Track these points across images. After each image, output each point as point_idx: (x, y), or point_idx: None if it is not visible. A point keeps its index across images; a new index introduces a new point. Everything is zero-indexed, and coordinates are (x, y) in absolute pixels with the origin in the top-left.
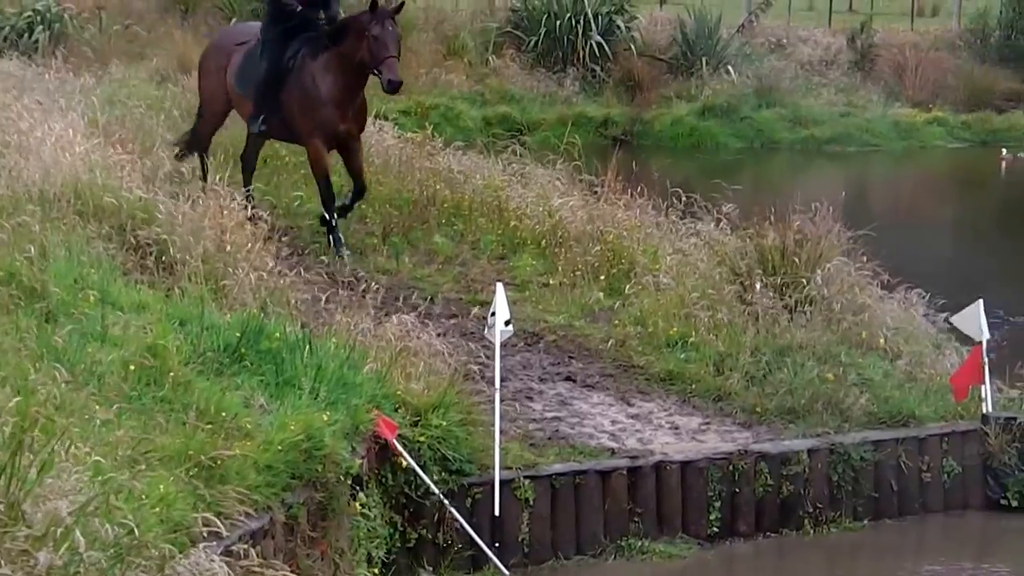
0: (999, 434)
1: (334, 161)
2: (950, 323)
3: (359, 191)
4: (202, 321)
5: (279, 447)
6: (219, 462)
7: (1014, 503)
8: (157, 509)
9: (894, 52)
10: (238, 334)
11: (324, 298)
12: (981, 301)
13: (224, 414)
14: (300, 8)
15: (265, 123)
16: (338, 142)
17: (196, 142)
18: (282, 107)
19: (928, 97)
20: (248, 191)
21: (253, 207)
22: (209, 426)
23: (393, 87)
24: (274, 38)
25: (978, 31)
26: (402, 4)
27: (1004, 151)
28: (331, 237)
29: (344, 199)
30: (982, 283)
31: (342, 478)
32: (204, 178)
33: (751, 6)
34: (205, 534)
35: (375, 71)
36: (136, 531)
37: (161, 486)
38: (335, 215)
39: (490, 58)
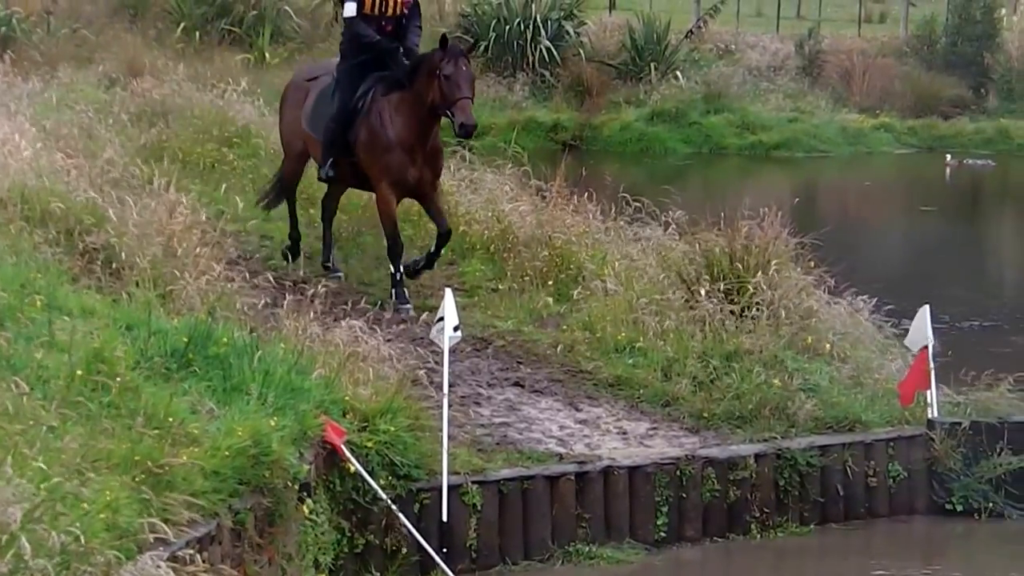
0: (944, 439)
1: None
2: (905, 346)
3: (443, 235)
4: (150, 326)
5: (226, 453)
6: (166, 468)
7: (959, 508)
8: (103, 516)
9: (842, 58)
10: (186, 339)
11: (272, 303)
12: (928, 307)
13: (171, 420)
14: (378, 39)
15: (334, 168)
16: (410, 190)
17: (281, 189)
18: (351, 150)
19: (875, 103)
20: (328, 258)
21: (333, 272)
22: (156, 432)
23: (466, 131)
24: (348, 74)
25: (924, 38)
26: (476, 43)
27: (949, 156)
28: (394, 291)
29: (427, 250)
30: (929, 288)
31: (290, 484)
32: (294, 228)
33: (700, 12)
34: (152, 540)
35: (447, 113)
36: (82, 538)
37: (108, 492)
38: (401, 269)
39: None
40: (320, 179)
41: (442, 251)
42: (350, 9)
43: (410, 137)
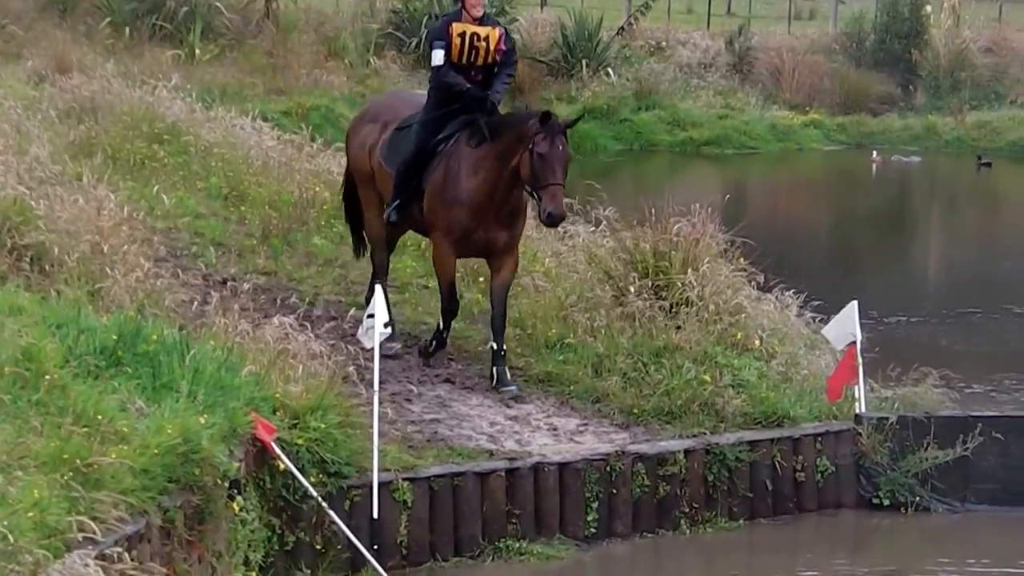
0: (872, 434)
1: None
2: (823, 335)
3: (497, 316)
4: (79, 324)
5: (156, 451)
6: (95, 466)
7: (886, 502)
8: (31, 514)
9: (771, 55)
10: (115, 337)
11: (202, 300)
12: (855, 302)
13: (100, 418)
14: (468, 88)
15: (400, 212)
16: (476, 250)
17: (374, 237)
18: (422, 195)
19: (805, 100)
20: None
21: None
22: (85, 430)
23: (553, 221)
24: (432, 120)
25: (854, 35)
26: (580, 118)
27: (875, 153)
28: (434, 341)
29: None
30: (856, 284)
31: (219, 481)
32: (378, 273)
33: (631, 9)
34: (80, 539)
35: (534, 194)
36: (9, 536)
37: (35, 491)
38: (449, 328)
39: (371, 59)
40: (386, 220)
41: (503, 345)
42: (438, 57)
43: (485, 198)
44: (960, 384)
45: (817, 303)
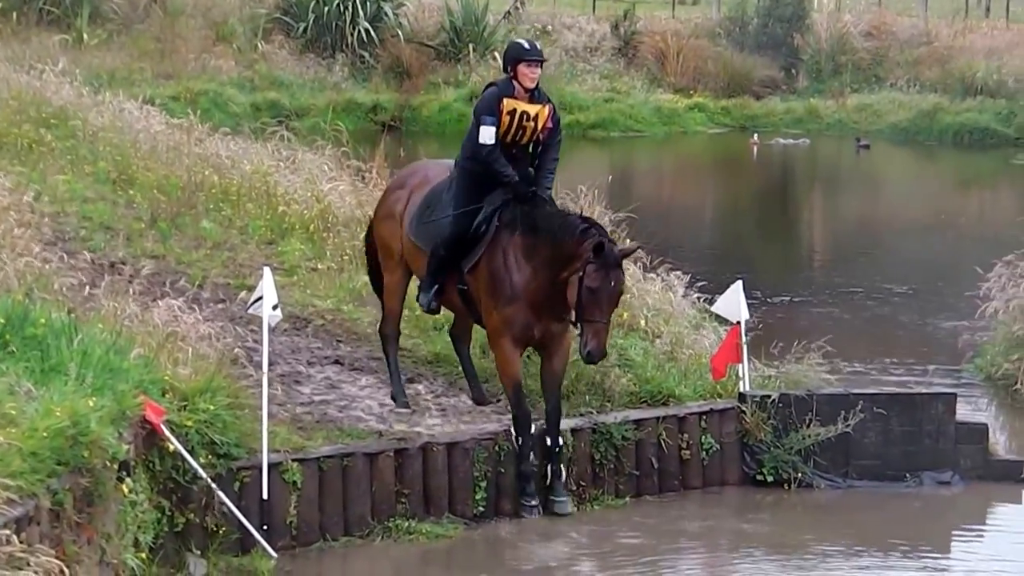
0: (755, 412)
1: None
2: (713, 311)
3: (552, 411)
4: None
5: (44, 433)
6: None
7: (770, 478)
8: None
9: (656, 39)
10: (2, 321)
11: (91, 284)
12: (740, 282)
13: None
14: (515, 181)
15: (438, 297)
16: (534, 343)
17: (388, 321)
18: (466, 281)
19: (689, 83)
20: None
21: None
22: None
23: (592, 360)
24: (467, 190)
25: (737, 19)
26: (636, 249)
27: (755, 136)
28: (521, 485)
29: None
30: (740, 264)
31: (108, 463)
32: (395, 382)
33: None
34: None
35: (575, 323)
36: None
37: None
38: (532, 447)
39: (259, 44)
40: (422, 308)
41: (559, 442)
42: (488, 135)
43: (538, 291)
44: (842, 362)
45: (702, 283)
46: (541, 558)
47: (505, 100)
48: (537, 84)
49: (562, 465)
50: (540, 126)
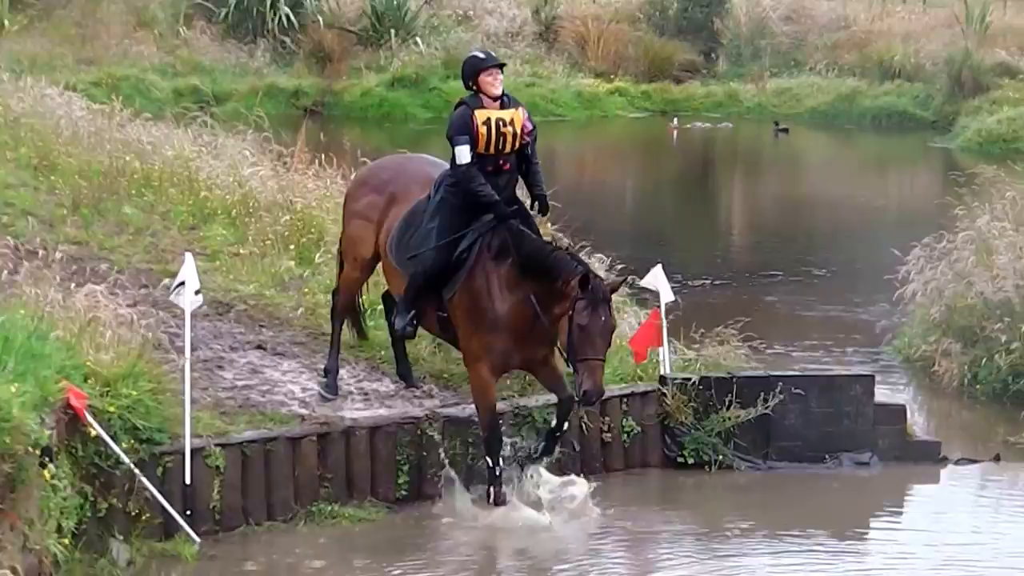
0: (676, 395)
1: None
2: (639, 286)
3: (564, 401)
4: None
5: None
6: None
7: (691, 460)
8: None
9: (577, 24)
10: None
11: (12, 270)
12: (660, 265)
13: None
14: (496, 201)
15: (415, 323)
16: (515, 367)
17: (344, 304)
18: (445, 307)
19: (610, 68)
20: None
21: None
22: None
23: (589, 401)
24: (450, 215)
25: (657, 4)
26: (623, 281)
27: (674, 120)
28: (491, 490)
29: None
30: (660, 247)
31: (31, 449)
32: (332, 357)
33: None
34: None
35: (569, 361)
36: None
37: None
38: (500, 461)
39: (181, 29)
40: (398, 332)
41: (565, 426)
42: (463, 155)
43: (521, 321)
44: (762, 344)
45: (622, 266)
46: (462, 541)
47: (476, 112)
48: (503, 91)
49: (556, 446)
50: (519, 130)
